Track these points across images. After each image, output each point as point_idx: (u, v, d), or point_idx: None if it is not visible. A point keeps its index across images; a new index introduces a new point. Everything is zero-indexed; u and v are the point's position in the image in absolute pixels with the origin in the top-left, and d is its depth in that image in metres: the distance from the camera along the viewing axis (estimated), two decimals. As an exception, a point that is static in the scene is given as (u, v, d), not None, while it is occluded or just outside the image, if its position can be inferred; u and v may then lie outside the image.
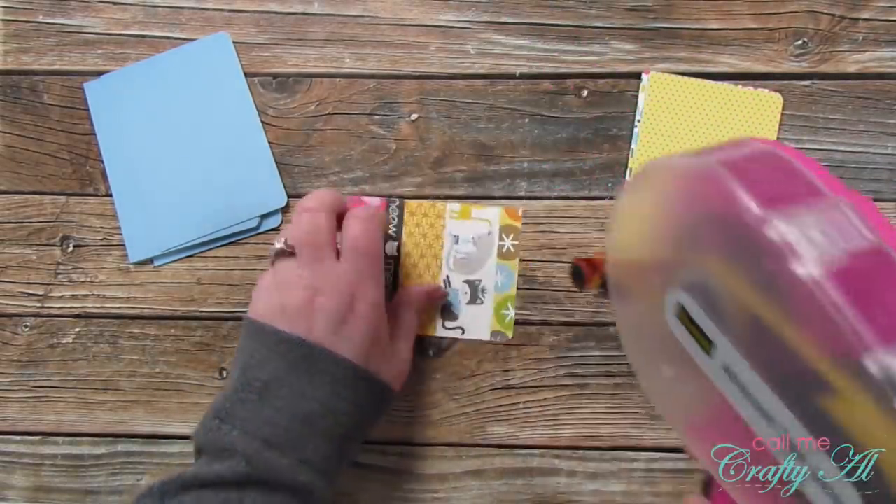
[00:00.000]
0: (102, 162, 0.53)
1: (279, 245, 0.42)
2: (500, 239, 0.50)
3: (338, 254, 0.43)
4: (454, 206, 0.51)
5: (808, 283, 0.21)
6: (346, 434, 0.40)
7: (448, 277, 0.50)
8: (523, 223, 0.51)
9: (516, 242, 0.50)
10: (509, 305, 0.49)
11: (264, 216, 0.52)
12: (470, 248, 0.50)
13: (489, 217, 0.50)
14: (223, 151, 0.53)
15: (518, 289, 0.51)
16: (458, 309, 0.49)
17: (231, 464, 0.37)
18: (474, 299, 0.50)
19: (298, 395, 0.39)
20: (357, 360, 0.40)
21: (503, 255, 0.50)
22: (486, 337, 0.49)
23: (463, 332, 0.49)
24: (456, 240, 0.50)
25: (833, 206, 0.23)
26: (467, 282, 0.50)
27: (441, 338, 0.51)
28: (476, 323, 0.50)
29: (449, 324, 0.49)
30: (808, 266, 0.21)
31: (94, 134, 0.53)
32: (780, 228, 0.22)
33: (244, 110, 0.53)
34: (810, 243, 0.22)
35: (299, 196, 0.52)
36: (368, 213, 0.43)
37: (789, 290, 0.22)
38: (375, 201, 0.51)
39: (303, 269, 0.41)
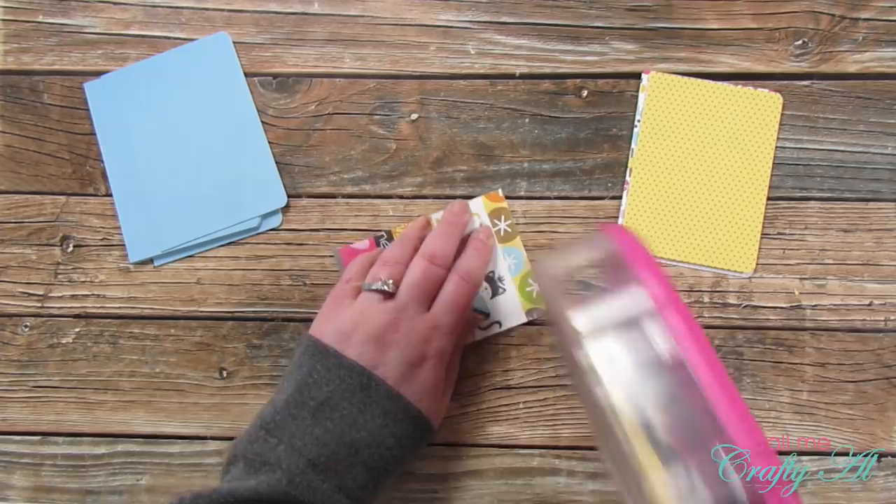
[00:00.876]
0: (102, 162, 0.53)
1: (384, 287, 0.43)
2: (493, 225, 0.50)
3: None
4: (437, 215, 0.51)
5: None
6: (385, 467, 0.41)
7: None
8: (524, 223, 0.51)
9: (510, 221, 0.50)
10: (530, 281, 0.49)
11: (264, 216, 0.52)
12: None
13: (473, 210, 0.50)
14: (223, 151, 0.53)
15: (518, 289, 0.51)
16: (487, 307, 0.49)
17: (269, 479, 0.37)
18: (496, 291, 0.49)
19: (350, 421, 0.40)
20: (412, 401, 0.41)
21: (503, 238, 0.50)
22: (522, 319, 0.49)
23: (500, 326, 0.49)
24: None
25: (632, 298, 0.31)
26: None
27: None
28: (508, 311, 0.49)
29: (484, 323, 0.49)
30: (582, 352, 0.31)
31: (94, 134, 0.53)
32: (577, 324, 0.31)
33: (244, 110, 0.53)
34: (594, 331, 0.31)
35: (299, 196, 0.52)
36: (473, 274, 0.45)
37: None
38: (364, 244, 0.51)
39: (390, 305, 0.42)
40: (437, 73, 0.53)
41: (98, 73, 0.54)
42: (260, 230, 0.52)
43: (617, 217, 0.51)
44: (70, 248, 0.53)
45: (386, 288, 0.43)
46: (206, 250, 0.52)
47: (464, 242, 0.48)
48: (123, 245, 0.52)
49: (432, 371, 0.42)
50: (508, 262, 0.49)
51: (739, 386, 0.50)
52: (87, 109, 0.53)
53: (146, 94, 0.53)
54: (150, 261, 0.52)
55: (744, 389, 0.49)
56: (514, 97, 0.52)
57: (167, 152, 0.53)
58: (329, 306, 0.45)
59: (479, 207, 0.50)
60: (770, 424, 0.49)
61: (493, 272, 0.49)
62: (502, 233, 0.50)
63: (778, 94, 0.51)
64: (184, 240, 0.52)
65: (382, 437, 0.40)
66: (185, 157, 0.53)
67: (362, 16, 0.53)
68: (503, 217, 0.50)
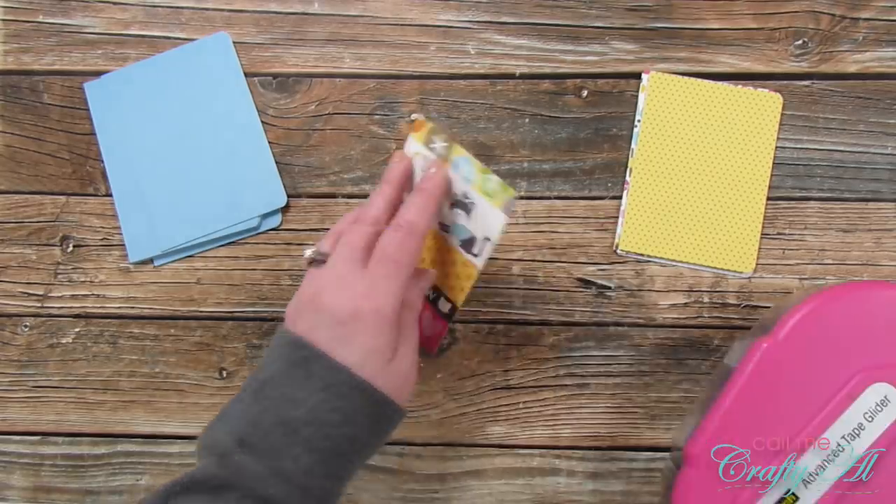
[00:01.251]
0: (102, 162, 0.53)
1: (315, 255, 0.41)
2: (430, 150, 0.45)
3: None
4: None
5: None
6: (336, 449, 0.37)
7: (447, 225, 0.47)
8: (523, 223, 0.51)
9: (442, 135, 0.45)
10: (487, 178, 0.44)
11: (264, 216, 0.52)
12: None
13: (410, 150, 0.46)
14: (223, 151, 0.53)
15: (518, 288, 0.51)
16: (468, 231, 0.45)
17: (205, 463, 0.36)
18: (467, 209, 0.45)
19: (288, 398, 0.37)
20: (354, 369, 0.37)
21: (443, 154, 0.45)
22: (503, 219, 0.44)
23: (490, 240, 0.44)
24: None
25: None
26: (452, 205, 0.45)
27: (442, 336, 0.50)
28: (485, 220, 0.45)
29: (475, 249, 0.45)
30: None
31: (94, 134, 0.53)
32: None
33: (244, 110, 0.53)
34: None
35: (299, 196, 0.52)
36: (411, 222, 0.41)
37: None
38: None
39: (322, 270, 0.40)
40: (437, 73, 0.53)
41: (98, 73, 0.54)
42: (260, 230, 0.52)
43: (617, 217, 0.51)
44: (70, 248, 0.53)
45: (315, 255, 0.40)
46: (206, 250, 0.52)
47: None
48: (123, 245, 0.52)
49: (370, 332, 0.37)
50: (461, 174, 0.45)
51: (739, 386, 0.50)
52: (87, 109, 0.53)
53: (146, 93, 0.53)
54: (150, 261, 0.52)
55: (744, 389, 0.50)
56: (514, 97, 0.52)
57: (167, 152, 0.53)
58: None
59: (415, 146, 0.46)
60: (770, 424, 0.49)
61: (454, 193, 0.45)
62: (441, 150, 0.45)
63: (778, 94, 0.51)
64: (183, 240, 0.52)
65: (325, 415, 0.36)
66: (184, 157, 0.53)
67: (362, 16, 0.53)
68: (434, 137, 0.45)
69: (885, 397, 0.41)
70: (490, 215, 0.44)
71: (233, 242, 0.52)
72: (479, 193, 0.44)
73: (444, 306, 0.45)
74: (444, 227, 0.45)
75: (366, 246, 0.40)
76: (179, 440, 0.51)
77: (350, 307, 0.38)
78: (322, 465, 0.36)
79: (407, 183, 0.45)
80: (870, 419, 0.41)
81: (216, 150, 0.53)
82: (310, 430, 0.36)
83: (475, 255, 0.45)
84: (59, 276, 0.52)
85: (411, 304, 0.42)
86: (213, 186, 0.52)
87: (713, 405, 0.43)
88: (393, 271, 0.39)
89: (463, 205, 0.45)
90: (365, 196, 0.52)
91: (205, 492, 0.35)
